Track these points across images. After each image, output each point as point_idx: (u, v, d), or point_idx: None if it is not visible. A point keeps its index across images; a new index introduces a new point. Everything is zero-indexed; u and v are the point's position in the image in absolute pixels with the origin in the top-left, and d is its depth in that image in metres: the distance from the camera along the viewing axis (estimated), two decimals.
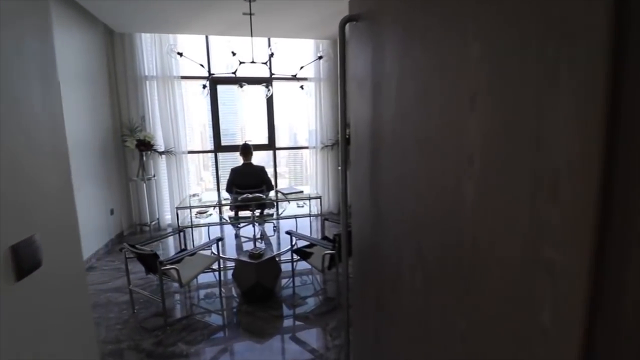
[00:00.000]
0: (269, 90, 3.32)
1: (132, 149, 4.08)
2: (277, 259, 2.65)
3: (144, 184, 4.19)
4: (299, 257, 2.74)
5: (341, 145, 1.03)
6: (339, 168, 4.87)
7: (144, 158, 4.21)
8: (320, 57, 3.13)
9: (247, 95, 5.01)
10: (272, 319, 2.34)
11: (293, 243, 2.73)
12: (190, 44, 4.73)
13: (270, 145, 4.91)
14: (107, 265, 3.35)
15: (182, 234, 2.83)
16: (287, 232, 2.68)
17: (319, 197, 3.35)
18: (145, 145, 4.07)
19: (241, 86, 3.25)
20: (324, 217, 3.10)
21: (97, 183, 3.68)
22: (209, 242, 2.48)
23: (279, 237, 4.06)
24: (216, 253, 2.72)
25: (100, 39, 3.92)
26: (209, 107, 4.65)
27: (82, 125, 3.47)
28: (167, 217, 4.61)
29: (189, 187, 4.63)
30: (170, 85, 4.30)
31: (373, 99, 0.87)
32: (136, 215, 4.40)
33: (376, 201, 0.87)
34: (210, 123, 4.74)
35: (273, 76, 3.24)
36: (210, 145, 4.78)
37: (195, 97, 4.61)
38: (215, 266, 2.70)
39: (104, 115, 3.94)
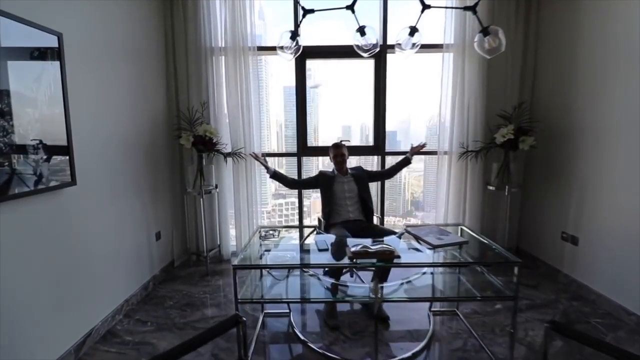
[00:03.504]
0: (405, 47, 1.69)
1: (188, 148, 2.88)
2: None
3: (201, 199, 2.96)
4: None
5: None
6: (491, 188, 3.01)
7: (204, 162, 2.99)
8: None
9: (348, 75, 3.53)
10: None
11: None
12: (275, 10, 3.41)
13: (378, 148, 3.30)
14: (134, 331, 2.13)
15: (240, 327, 1.38)
16: None
17: (517, 263, 1.59)
18: (205, 144, 2.83)
19: (362, 31, 1.70)
20: (549, 324, 1.30)
21: (139, 196, 2.54)
22: None
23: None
24: None
25: None
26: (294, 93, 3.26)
27: (124, 116, 2.34)
28: (232, 244, 3.36)
29: (260, 204, 3.31)
30: (244, 59, 3.00)
31: None
32: (191, 240, 3.23)
33: None
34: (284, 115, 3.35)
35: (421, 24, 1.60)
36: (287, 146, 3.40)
37: (277, 77, 3.27)
38: None
39: (155, 102, 2.81)
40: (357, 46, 1.66)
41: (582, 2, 2.50)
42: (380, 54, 3.16)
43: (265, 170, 2.70)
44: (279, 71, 3.21)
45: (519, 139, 2.77)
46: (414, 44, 1.73)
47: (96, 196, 2.05)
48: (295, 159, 3.32)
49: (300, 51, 1.80)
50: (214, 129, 2.88)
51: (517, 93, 3.05)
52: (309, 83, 3.44)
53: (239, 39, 2.97)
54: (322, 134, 3.58)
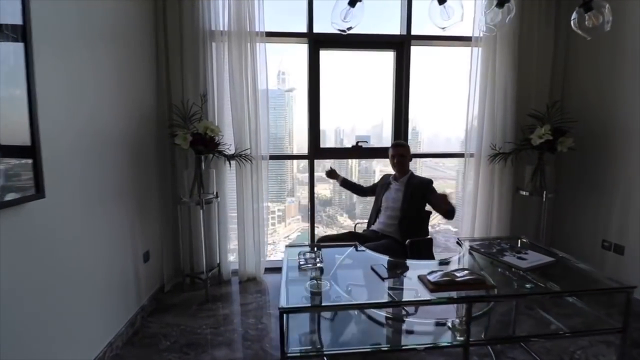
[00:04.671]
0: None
1: (184, 149, 2.39)
2: None
3: (201, 210, 2.46)
4: None
5: None
6: (524, 193, 2.76)
7: (202, 166, 2.51)
8: None
9: (366, 67, 3.16)
10: None
11: None
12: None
13: None
14: None
15: None
16: None
17: (631, 289, 1.30)
18: (206, 144, 2.36)
19: None
20: None
21: (123, 210, 2.01)
22: None
23: None
24: None
25: None
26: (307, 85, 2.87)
27: (105, 109, 1.82)
28: (233, 260, 2.88)
29: (265, 213, 2.86)
30: (250, 46, 2.56)
31: None
32: (185, 259, 2.71)
33: None
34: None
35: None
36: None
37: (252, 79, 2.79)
38: None
39: (141, 95, 2.30)
40: (443, 28, 1.30)
41: None
42: (403, 46, 2.85)
43: (336, 180, 2.68)
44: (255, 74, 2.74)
45: (557, 140, 2.54)
46: (488, 26, 1.40)
47: (69, 212, 1.53)
48: (305, 161, 2.92)
49: (353, 27, 1.41)
50: (216, 126, 2.41)
51: (547, 91, 2.85)
52: (285, 86, 3.18)
53: (245, 22, 2.53)
54: (297, 138, 3.20)
